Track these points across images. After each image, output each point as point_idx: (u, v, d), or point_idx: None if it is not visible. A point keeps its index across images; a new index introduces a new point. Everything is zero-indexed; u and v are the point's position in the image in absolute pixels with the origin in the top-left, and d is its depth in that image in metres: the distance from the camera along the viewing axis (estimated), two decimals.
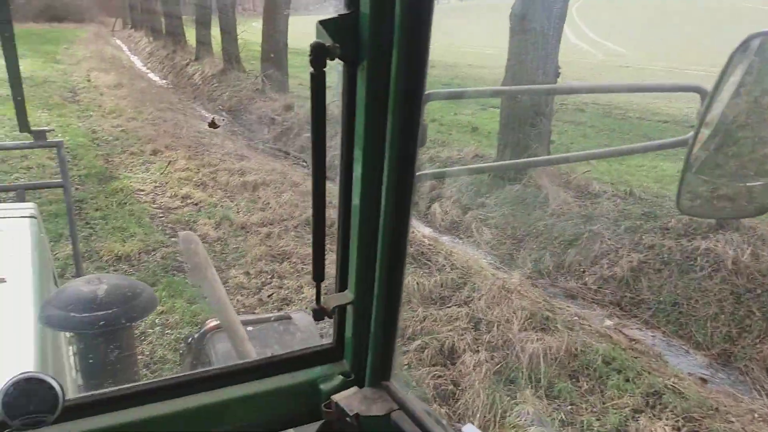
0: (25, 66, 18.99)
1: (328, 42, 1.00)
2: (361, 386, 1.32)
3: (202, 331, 2.49)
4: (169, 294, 4.77)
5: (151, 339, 4.20)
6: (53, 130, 3.95)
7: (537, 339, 4.14)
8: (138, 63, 24.68)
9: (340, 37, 1.01)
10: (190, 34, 24.24)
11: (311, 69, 1.00)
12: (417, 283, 4.87)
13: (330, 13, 1.03)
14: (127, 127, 10.93)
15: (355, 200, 1.16)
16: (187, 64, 20.69)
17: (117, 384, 1.17)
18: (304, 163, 10.89)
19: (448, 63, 21.76)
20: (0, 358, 1.60)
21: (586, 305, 6.03)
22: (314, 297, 1.24)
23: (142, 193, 7.48)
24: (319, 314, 1.24)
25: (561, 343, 4.14)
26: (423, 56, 1.01)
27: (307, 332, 2.46)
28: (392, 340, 1.28)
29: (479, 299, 4.63)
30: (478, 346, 4.11)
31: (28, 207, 2.94)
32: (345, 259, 1.24)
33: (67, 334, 2.41)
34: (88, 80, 16.29)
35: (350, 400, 1.28)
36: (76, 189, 7.39)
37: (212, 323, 2.46)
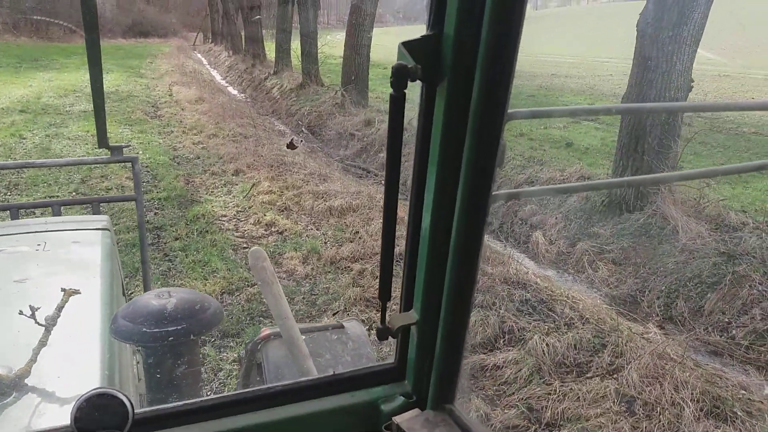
0: (111, 81, 19.34)
1: (410, 64, 0.99)
2: (423, 408, 1.31)
3: (255, 339, 2.47)
4: None
5: None
6: (130, 145, 4.13)
7: None
8: (218, 77, 24.89)
9: (422, 58, 1.00)
10: (269, 48, 24.26)
11: (392, 90, 1.00)
12: (546, 345, 4.01)
13: (410, 31, 1.04)
14: (207, 145, 10.57)
15: (426, 220, 1.15)
16: (266, 78, 20.56)
17: (182, 398, 1.19)
18: None
19: (530, 72, 20.67)
20: (71, 368, 1.61)
21: (737, 365, 4.99)
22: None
23: (224, 219, 6.95)
24: (383, 334, 1.23)
25: None
26: (508, 75, 0.98)
27: (359, 342, 2.44)
28: (458, 363, 1.25)
29: (628, 369, 3.72)
30: None
31: (102, 219, 2.97)
32: (411, 279, 1.22)
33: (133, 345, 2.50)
34: (170, 95, 16.28)
35: (412, 422, 1.26)
36: (155, 214, 6.95)
37: (266, 331, 2.44)
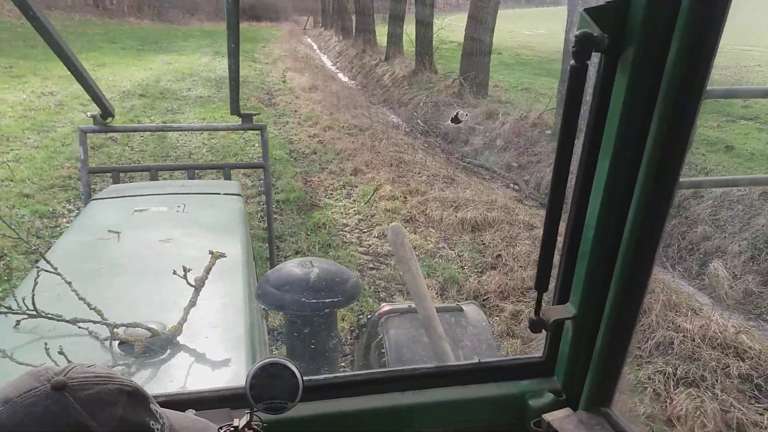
0: (226, 65, 19.28)
1: (595, 32, 0.92)
2: (574, 408, 1.23)
3: (376, 314, 2.42)
4: None
5: None
6: (259, 114, 4.07)
7: None
8: (328, 63, 24.49)
9: (608, 26, 0.92)
10: (380, 33, 23.51)
11: (572, 61, 0.93)
12: None
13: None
14: (323, 138, 9.93)
15: (594, 207, 1.06)
16: (377, 65, 19.82)
17: (321, 367, 1.37)
18: (515, 186, 9.12)
19: (722, 64, 18.21)
20: (217, 329, 1.61)
21: None
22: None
23: (346, 229, 6.21)
24: (537, 326, 1.16)
25: None
26: (711, 47, 0.87)
27: (479, 327, 2.36)
28: (619, 365, 1.16)
29: None
30: None
31: (234, 185, 3.05)
32: (569, 270, 1.15)
33: (262, 309, 2.43)
34: (284, 81, 15.90)
35: (563, 422, 1.17)
36: (274, 220, 6.33)
37: (386, 307, 2.41)
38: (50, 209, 6.30)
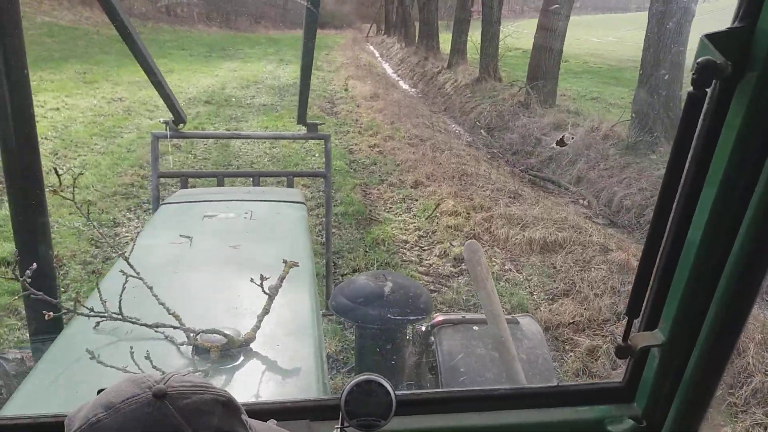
0: (290, 73, 19.44)
1: (718, 59, 0.90)
2: None
3: (429, 324, 2.36)
4: None
5: None
6: (324, 123, 4.53)
7: None
8: (389, 70, 24.33)
9: (730, 52, 0.90)
10: (443, 40, 23.18)
11: (691, 88, 0.92)
12: None
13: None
14: (384, 148, 9.67)
15: (695, 233, 1.04)
16: (439, 72, 19.48)
17: (394, 381, 1.35)
18: (585, 202, 8.59)
19: None
20: (289, 338, 1.63)
21: None
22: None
23: (405, 246, 5.90)
24: (624, 352, 1.15)
25: None
26: None
27: (535, 341, 2.31)
28: (709, 396, 1.14)
29: None
30: None
31: (297, 193, 3.13)
32: (662, 296, 1.13)
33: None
34: (346, 89, 15.79)
35: None
36: (333, 234, 6.09)
37: (439, 317, 2.35)
38: (111, 217, 6.28)
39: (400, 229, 6.35)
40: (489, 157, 10.60)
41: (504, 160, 10.66)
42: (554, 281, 5.13)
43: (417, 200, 7.26)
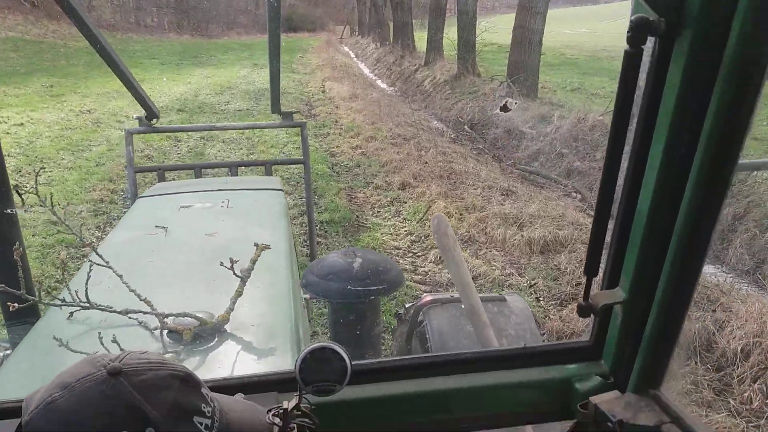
0: (265, 77, 18.90)
1: (651, 16, 0.91)
2: (622, 391, 1.24)
3: (417, 304, 2.40)
4: None
5: None
6: (299, 111, 4.28)
7: None
8: (366, 70, 23.90)
9: (663, 10, 0.90)
10: (418, 38, 22.80)
11: (627, 46, 0.93)
12: None
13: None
14: (367, 149, 9.23)
15: (646, 192, 1.05)
16: (416, 70, 19.07)
17: (365, 354, 1.33)
18: (578, 195, 8.24)
19: None
20: (263, 318, 1.65)
21: None
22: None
23: (398, 253, 5.46)
24: (585, 311, 1.16)
25: None
26: None
27: (523, 316, 2.33)
28: (670, 348, 1.17)
29: None
30: None
31: (275, 181, 3.14)
32: (620, 254, 1.15)
33: (304, 297, 2.52)
34: (323, 91, 15.31)
35: (611, 404, 1.18)
36: (318, 243, 5.64)
37: (427, 297, 2.40)
38: (77, 238, 5.75)
39: (391, 234, 5.91)
40: (475, 153, 10.21)
41: (491, 156, 10.28)
42: (560, 284, 4.74)
43: (406, 203, 6.84)
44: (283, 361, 1.45)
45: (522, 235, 5.57)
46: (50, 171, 7.92)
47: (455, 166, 8.16)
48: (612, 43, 25.81)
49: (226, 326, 1.56)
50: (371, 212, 6.61)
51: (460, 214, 6.26)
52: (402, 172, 7.79)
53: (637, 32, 0.91)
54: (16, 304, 1.51)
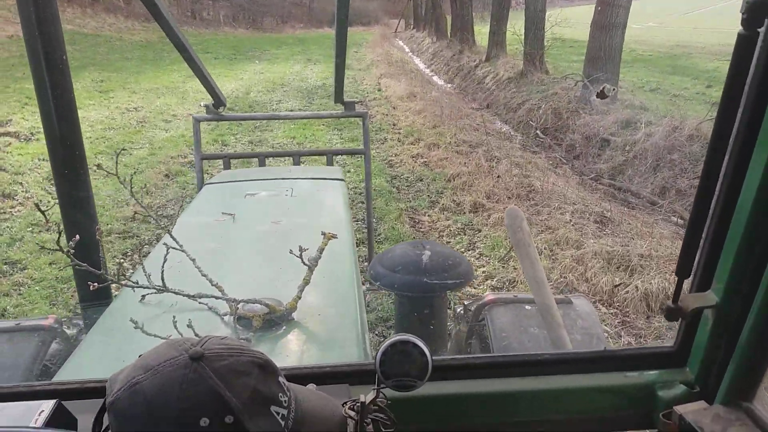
0: (319, 73, 17.75)
1: None
2: (710, 402, 1.14)
3: (480, 302, 2.29)
4: None
5: None
6: (362, 101, 4.05)
7: None
8: (421, 65, 22.64)
9: None
10: (477, 32, 21.38)
11: (741, 29, 0.85)
12: None
13: None
14: (429, 159, 8.05)
15: (750, 188, 0.96)
16: (477, 66, 17.71)
17: (429, 346, 1.13)
18: (678, 219, 6.84)
19: None
20: (329, 307, 1.65)
21: None
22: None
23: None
24: (674, 314, 1.07)
25: None
26: None
27: (589, 320, 2.20)
28: (767, 359, 1.06)
29: None
30: None
31: (337, 170, 3.15)
32: (714, 256, 1.06)
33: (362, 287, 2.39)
34: (379, 89, 14.18)
35: (698, 415, 1.08)
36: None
37: (491, 296, 2.31)
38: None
39: None
40: (551, 163, 8.89)
41: (570, 167, 8.93)
42: None
43: (480, 231, 5.64)
44: (350, 351, 1.43)
45: (637, 287, 4.30)
46: None
47: (534, 182, 6.89)
48: (687, 39, 23.71)
49: (293, 314, 1.55)
50: (439, 242, 5.44)
51: (551, 251, 5.03)
52: (472, 190, 6.58)
53: (753, 13, 0.83)
54: (96, 284, 1.51)
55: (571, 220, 5.70)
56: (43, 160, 7.56)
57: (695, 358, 1.17)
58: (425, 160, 8.04)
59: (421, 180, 7.23)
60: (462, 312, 2.52)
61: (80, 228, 2.08)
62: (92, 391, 1.11)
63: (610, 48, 11.11)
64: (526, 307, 2.14)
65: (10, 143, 8.17)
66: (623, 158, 8.85)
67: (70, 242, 1.42)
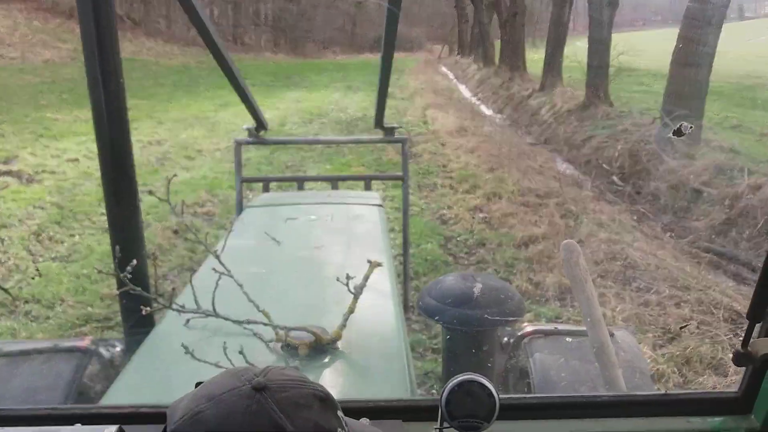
0: (358, 102, 16.47)
1: None
2: None
3: (519, 334, 2.26)
4: None
5: None
6: (402, 127, 3.99)
7: None
8: (466, 93, 21.35)
9: None
10: (528, 59, 20.02)
11: None
12: None
13: None
14: (491, 214, 6.64)
15: None
16: (529, 96, 16.29)
17: None
18: None
19: None
20: (373, 338, 1.61)
21: None
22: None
23: None
24: (742, 359, 1.05)
25: None
26: None
27: (632, 354, 2.15)
28: None
29: None
30: None
31: (375, 196, 3.22)
32: None
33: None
34: (425, 122, 12.88)
35: None
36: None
37: (529, 328, 2.27)
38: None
39: None
40: (635, 219, 7.38)
41: (658, 224, 7.40)
42: None
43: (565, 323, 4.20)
44: (399, 385, 1.42)
45: None
46: (78, 235, 5.92)
47: (630, 252, 5.41)
48: (757, 69, 21.81)
49: (338, 343, 1.53)
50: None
51: (655, 350, 3.58)
52: (552, 264, 5.15)
53: None
54: (148, 308, 1.54)
55: (694, 318, 4.21)
56: (39, 208, 6.48)
57: (762, 406, 1.14)
58: (485, 215, 6.63)
59: (483, 245, 5.80)
60: (501, 344, 2.41)
61: (128, 252, 2.02)
62: (147, 416, 1.10)
63: (694, 81, 9.60)
64: (567, 339, 2.13)
65: (7, 185, 7.13)
66: (724, 216, 7.25)
67: (128, 267, 1.46)
